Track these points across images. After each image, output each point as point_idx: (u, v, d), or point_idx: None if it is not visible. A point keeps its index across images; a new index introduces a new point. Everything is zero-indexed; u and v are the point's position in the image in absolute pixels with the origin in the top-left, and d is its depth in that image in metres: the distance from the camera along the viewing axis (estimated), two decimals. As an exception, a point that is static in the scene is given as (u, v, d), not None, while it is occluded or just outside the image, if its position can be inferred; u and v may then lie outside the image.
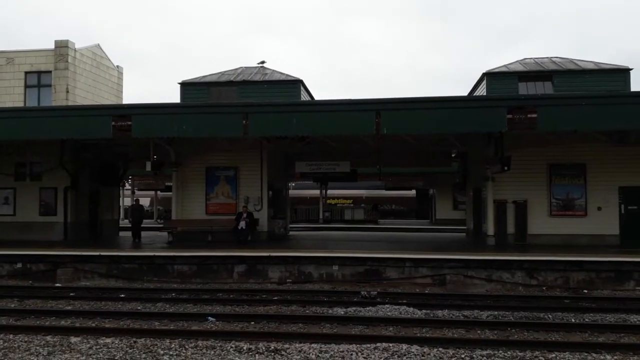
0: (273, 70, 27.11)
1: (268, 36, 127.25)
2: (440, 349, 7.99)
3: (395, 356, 7.64)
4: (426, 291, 13.28)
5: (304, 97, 25.91)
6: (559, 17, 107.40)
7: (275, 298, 12.26)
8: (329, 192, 42.22)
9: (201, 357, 7.67)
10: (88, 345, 8.25)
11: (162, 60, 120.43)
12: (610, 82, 22.85)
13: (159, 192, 41.23)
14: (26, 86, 22.95)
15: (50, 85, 22.73)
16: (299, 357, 7.67)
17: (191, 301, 11.98)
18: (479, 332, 9.30)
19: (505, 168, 16.02)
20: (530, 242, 17.31)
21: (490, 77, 24.12)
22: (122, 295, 12.67)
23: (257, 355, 7.79)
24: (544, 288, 13.59)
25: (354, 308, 11.05)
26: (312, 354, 7.75)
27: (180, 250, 15.74)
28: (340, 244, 19.17)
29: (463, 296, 12.52)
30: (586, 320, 10.12)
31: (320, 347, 8.05)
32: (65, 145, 18.83)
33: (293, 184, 34.19)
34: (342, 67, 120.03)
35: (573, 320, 10.06)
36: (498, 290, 13.53)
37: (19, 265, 15.43)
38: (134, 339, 8.54)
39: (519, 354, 7.80)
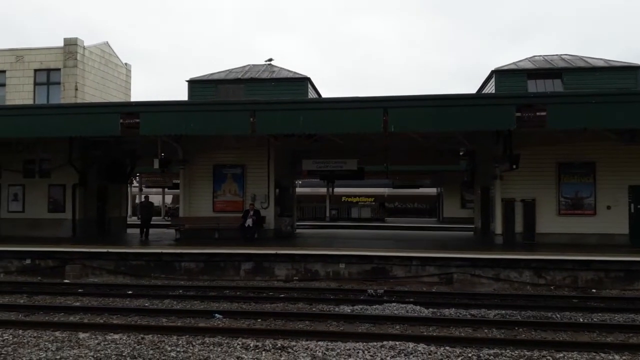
0: (281, 68, 27.12)
1: (274, 34, 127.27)
2: (447, 347, 7.96)
3: (402, 355, 7.62)
4: (433, 290, 13.24)
5: (312, 94, 25.91)
6: (565, 15, 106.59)
7: (282, 295, 12.28)
8: (348, 189, 42.46)
9: (208, 354, 7.69)
10: (96, 341, 8.30)
11: (168, 59, 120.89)
12: (620, 79, 22.66)
13: (166, 189, 41.41)
14: (35, 84, 23.14)
15: (59, 83, 22.90)
16: (305, 354, 7.67)
17: (198, 298, 12.02)
18: (486, 331, 9.26)
19: (514, 166, 15.93)
20: (538, 241, 17.20)
21: (499, 74, 23.99)
22: (130, 292, 12.75)
23: (263, 352, 7.81)
24: (552, 287, 13.51)
25: (360, 306, 11.04)
26: (319, 352, 7.75)
27: (187, 248, 15.80)
28: (347, 242, 19.15)
29: (470, 295, 12.46)
30: (594, 320, 10.05)
31: (327, 345, 8.04)
32: (73, 142, 18.94)
33: (299, 182, 34.21)
34: (348, 65, 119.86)
35: (581, 320, 10.00)
36: (505, 289, 13.46)
37: (28, 261, 15.56)
38: (142, 335, 8.58)
39: (527, 353, 7.76)
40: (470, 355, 7.66)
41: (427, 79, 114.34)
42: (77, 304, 11.53)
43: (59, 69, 22.89)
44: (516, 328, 9.35)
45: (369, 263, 14.42)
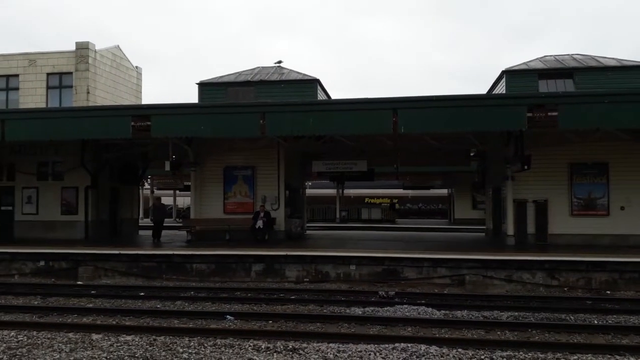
0: (290, 70, 27.19)
1: (282, 37, 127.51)
2: (460, 349, 7.91)
3: (414, 357, 7.59)
4: (445, 291, 13.17)
5: (321, 96, 25.93)
6: (569, 15, 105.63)
7: (293, 297, 12.27)
8: (371, 191, 42.83)
9: (220, 356, 7.71)
10: (109, 343, 8.36)
11: (178, 62, 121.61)
12: (633, 79, 22.43)
13: (177, 191, 41.61)
14: (48, 87, 23.44)
15: (71, 87, 23.17)
16: (316, 356, 7.67)
17: (209, 299, 12.05)
18: (498, 333, 9.18)
19: (526, 167, 15.81)
20: (551, 242, 17.05)
21: (509, 75, 23.85)
22: (142, 294, 12.83)
23: (275, 354, 7.81)
24: (566, 289, 13.37)
25: (371, 308, 11.01)
26: (330, 354, 7.74)
27: (198, 249, 15.87)
28: (357, 243, 19.12)
29: (482, 297, 12.38)
30: (609, 321, 9.92)
31: (338, 347, 8.03)
32: (86, 145, 19.12)
33: (309, 183, 34.22)
34: (356, 67, 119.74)
35: (595, 322, 9.88)
36: (518, 290, 13.35)
37: (42, 263, 15.72)
38: (154, 337, 8.63)
39: (540, 355, 7.69)
40: (482, 357, 7.60)
41: (435, 80, 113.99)
42: (90, 305, 11.62)
43: (71, 73, 23.16)
44: (529, 330, 9.26)
45: (380, 264, 14.37)
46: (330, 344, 8.17)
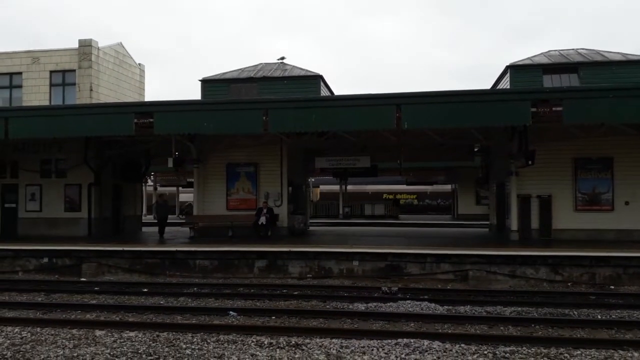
0: (293, 66, 27.08)
1: (282, 37, 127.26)
2: (463, 345, 7.89)
3: (417, 352, 7.57)
4: (448, 287, 13.15)
5: (324, 92, 25.85)
6: (574, 15, 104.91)
7: (296, 293, 12.28)
8: (389, 187, 43.05)
9: (223, 351, 7.72)
10: (112, 339, 8.38)
11: (181, 59, 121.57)
12: (638, 73, 22.23)
13: (180, 188, 41.71)
14: (51, 85, 23.43)
15: (74, 84, 23.16)
16: (319, 352, 7.66)
17: (212, 296, 12.08)
18: (502, 328, 9.15)
19: (530, 162, 15.73)
20: (555, 238, 17.00)
21: (514, 69, 23.71)
22: (145, 290, 12.85)
23: (278, 349, 7.81)
24: (569, 284, 13.32)
25: (374, 304, 10.99)
26: (333, 349, 7.73)
27: (201, 245, 15.89)
28: (360, 239, 19.10)
29: (486, 292, 12.34)
30: (613, 316, 9.89)
31: (341, 343, 8.03)
32: (89, 142, 19.14)
33: (313, 179, 34.18)
34: (357, 66, 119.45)
35: (599, 317, 9.84)
36: (522, 286, 13.31)
37: (46, 259, 15.77)
38: (157, 333, 8.65)
39: (543, 350, 7.66)
40: (486, 352, 7.58)
41: (436, 79, 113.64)
42: (94, 301, 11.65)
43: (74, 70, 23.15)
44: (533, 325, 9.23)
45: (383, 260, 14.36)
46: (333, 340, 8.17)
